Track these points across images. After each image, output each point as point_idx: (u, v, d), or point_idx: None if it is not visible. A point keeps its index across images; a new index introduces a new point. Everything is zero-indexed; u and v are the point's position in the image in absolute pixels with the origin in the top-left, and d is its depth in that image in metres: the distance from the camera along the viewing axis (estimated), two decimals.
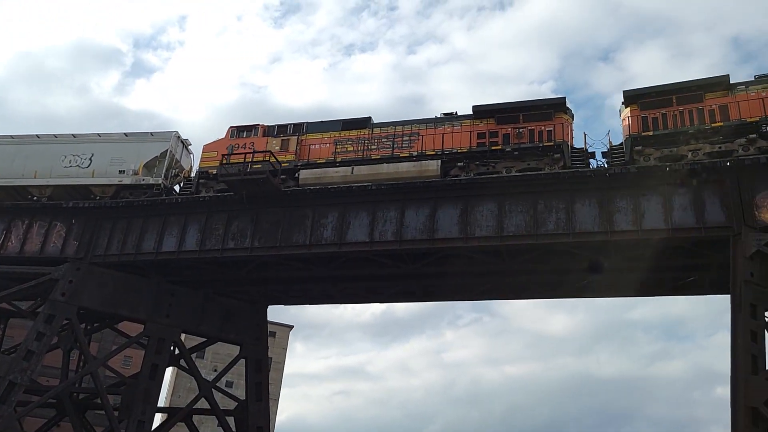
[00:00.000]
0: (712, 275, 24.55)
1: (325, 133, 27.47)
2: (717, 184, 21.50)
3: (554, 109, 24.99)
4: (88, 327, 30.94)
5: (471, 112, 26.04)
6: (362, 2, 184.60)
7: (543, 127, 24.61)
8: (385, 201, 24.62)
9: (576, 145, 24.91)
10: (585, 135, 25.41)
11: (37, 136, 30.54)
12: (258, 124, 28.53)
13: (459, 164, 24.95)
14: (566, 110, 25.06)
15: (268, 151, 26.32)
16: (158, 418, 30.66)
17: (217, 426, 32.76)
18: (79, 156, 29.00)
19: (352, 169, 25.86)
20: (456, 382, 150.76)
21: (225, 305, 30.28)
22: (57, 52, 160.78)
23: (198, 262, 26.93)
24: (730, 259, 20.54)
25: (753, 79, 23.35)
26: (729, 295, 20.60)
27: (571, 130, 25.01)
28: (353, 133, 27.07)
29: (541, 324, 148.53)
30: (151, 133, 29.59)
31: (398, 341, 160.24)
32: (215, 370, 50.82)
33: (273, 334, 60.69)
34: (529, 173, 23.94)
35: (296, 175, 26.68)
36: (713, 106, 22.95)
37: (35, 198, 29.34)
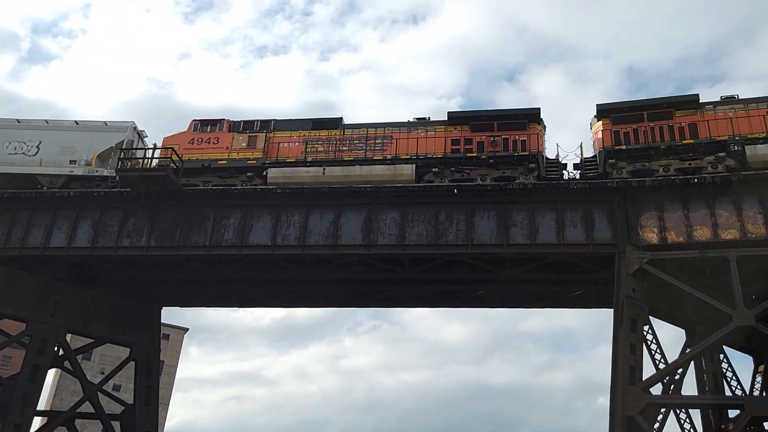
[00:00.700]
0: (598, 290, 25.97)
1: (294, 132, 26.93)
2: (606, 204, 22.72)
3: (528, 119, 25.38)
4: None
5: (446, 118, 26.22)
6: (277, 5, 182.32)
7: (517, 137, 24.96)
8: (289, 205, 24.47)
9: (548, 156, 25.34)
10: (557, 146, 26.09)
11: None
12: (223, 119, 27.62)
13: (434, 170, 24.92)
14: (539, 121, 25.50)
15: (170, 148, 25.61)
16: (37, 422, 29.24)
17: (102, 431, 31.42)
18: (25, 143, 27.28)
19: (324, 169, 25.36)
20: (353, 389, 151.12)
21: (116, 305, 29.19)
22: None
23: (89, 259, 25.79)
24: (615, 275, 21.76)
25: (719, 99, 24.54)
26: (612, 310, 21.71)
27: (544, 141, 25.50)
28: (323, 133, 26.60)
29: (438, 333, 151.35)
30: (106, 123, 28.27)
31: (297, 347, 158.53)
32: (102, 373, 48.66)
33: (166, 336, 59.33)
34: (429, 184, 24.40)
35: (264, 173, 25.95)
36: (683, 124, 23.98)
37: None
